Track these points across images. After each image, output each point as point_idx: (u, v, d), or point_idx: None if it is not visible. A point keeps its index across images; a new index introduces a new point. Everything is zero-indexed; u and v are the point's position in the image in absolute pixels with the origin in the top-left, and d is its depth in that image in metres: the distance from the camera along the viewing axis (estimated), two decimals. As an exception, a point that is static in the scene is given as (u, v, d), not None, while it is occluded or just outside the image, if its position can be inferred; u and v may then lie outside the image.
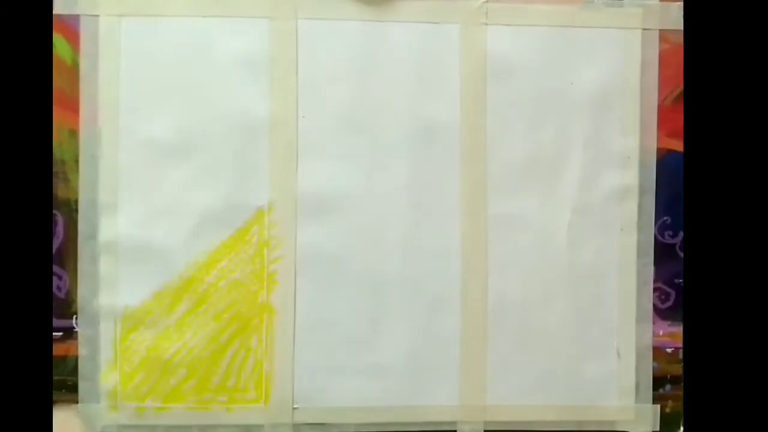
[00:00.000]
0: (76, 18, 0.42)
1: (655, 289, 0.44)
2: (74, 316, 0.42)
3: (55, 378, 0.42)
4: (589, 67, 0.43)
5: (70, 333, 0.42)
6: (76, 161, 0.42)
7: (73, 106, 0.42)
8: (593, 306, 0.44)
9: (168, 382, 0.42)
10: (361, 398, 0.43)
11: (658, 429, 0.44)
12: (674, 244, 0.44)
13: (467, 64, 0.43)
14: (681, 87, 0.43)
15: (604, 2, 0.43)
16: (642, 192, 0.44)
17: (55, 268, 0.42)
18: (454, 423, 0.43)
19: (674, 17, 0.43)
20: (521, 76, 0.43)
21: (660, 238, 0.44)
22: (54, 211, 0.42)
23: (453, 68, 0.43)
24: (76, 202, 0.42)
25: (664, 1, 0.43)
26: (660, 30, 0.43)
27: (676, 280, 0.44)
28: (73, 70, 0.42)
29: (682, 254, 0.44)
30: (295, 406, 0.43)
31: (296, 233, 0.42)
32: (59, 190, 0.42)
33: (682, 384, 0.44)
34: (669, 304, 0.44)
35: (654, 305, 0.44)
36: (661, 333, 0.44)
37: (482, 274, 0.43)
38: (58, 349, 0.42)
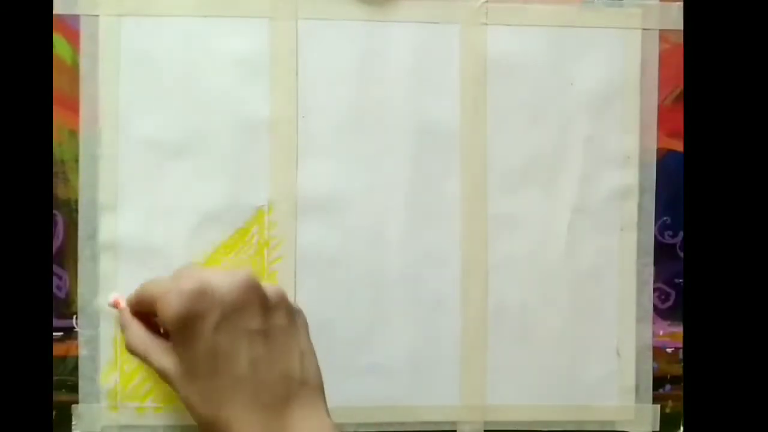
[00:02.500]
0: (76, 18, 0.42)
1: (655, 289, 0.44)
2: (74, 316, 0.42)
3: (55, 378, 0.42)
4: (589, 67, 0.43)
5: (70, 333, 0.42)
6: (76, 161, 0.42)
7: (73, 106, 0.42)
8: (593, 306, 0.44)
9: (168, 382, 0.42)
10: (360, 398, 0.43)
11: (658, 429, 0.44)
12: (674, 244, 0.44)
13: (467, 64, 0.43)
14: (681, 87, 0.44)
15: (604, 2, 0.43)
16: (642, 192, 0.44)
17: (55, 268, 0.42)
18: (454, 423, 0.43)
19: (674, 17, 0.43)
20: (521, 76, 0.43)
21: (660, 238, 0.44)
22: (54, 211, 0.42)
23: (453, 68, 0.43)
24: (76, 202, 0.42)
25: (664, 1, 0.43)
26: (660, 30, 0.43)
27: (676, 280, 0.44)
28: (73, 70, 0.42)
29: (682, 254, 0.44)
30: (295, 406, 0.43)
31: (296, 233, 0.42)
32: (59, 190, 0.42)
33: (682, 384, 0.44)
34: (669, 304, 0.44)
35: (654, 305, 0.44)
36: (661, 333, 0.44)
37: (482, 274, 0.43)
38: (58, 349, 0.42)
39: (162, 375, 0.33)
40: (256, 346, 0.32)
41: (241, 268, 0.33)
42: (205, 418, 0.32)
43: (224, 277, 0.32)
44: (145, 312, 0.36)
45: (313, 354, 0.35)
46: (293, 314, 0.35)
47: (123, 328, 0.37)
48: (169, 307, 0.31)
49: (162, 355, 0.33)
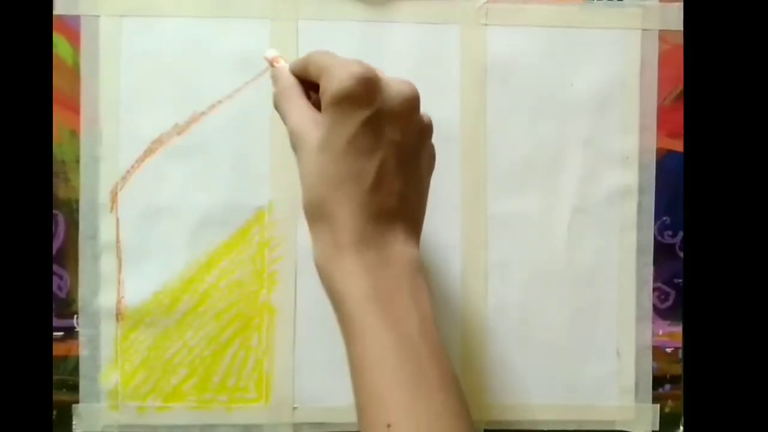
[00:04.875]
0: (76, 18, 0.42)
1: (654, 289, 0.44)
2: (75, 316, 0.42)
3: (56, 378, 0.42)
4: (589, 67, 0.43)
5: (70, 333, 0.42)
6: (77, 161, 0.42)
7: (74, 107, 0.42)
8: (593, 306, 0.44)
9: (169, 382, 0.42)
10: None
11: (657, 429, 0.44)
12: (674, 244, 0.44)
13: (467, 65, 0.43)
14: (681, 87, 0.44)
15: (604, 2, 0.43)
16: (642, 192, 0.44)
17: (56, 268, 0.42)
18: (454, 423, 0.43)
19: (674, 17, 0.43)
20: (521, 77, 0.43)
21: (659, 238, 0.44)
22: (54, 211, 0.42)
23: (453, 68, 0.43)
24: (77, 202, 0.42)
25: (664, 2, 0.43)
26: (660, 30, 0.43)
27: (676, 280, 0.44)
28: (74, 71, 0.42)
29: (681, 254, 0.44)
30: (295, 405, 0.43)
31: (296, 233, 0.43)
32: (60, 191, 0.42)
33: (681, 384, 0.44)
34: (668, 304, 0.44)
35: (653, 305, 0.44)
36: (660, 333, 0.44)
37: (482, 274, 0.43)
38: (58, 349, 0.42)
39: (294, 136, 0.32)
40: (390, 157, 0.31)
41: (409, 82, 0.32)
42: (314, 196, 0.31)
43: (394, 81, 0.32)
44: (303, 80, 0.34)
45: (427, 195, 0.35)
46: (430, 150, 0.35)
47: (275, 79, 0.35)
48: (336, 80, 0.30)
49: (304, 115, 0.32)
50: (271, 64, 0.36)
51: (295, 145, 0.33)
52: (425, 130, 0.34)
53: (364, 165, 0.31)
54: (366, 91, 0.31)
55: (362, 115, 0.31)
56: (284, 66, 0.36)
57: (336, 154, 0.31)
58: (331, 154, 0.31)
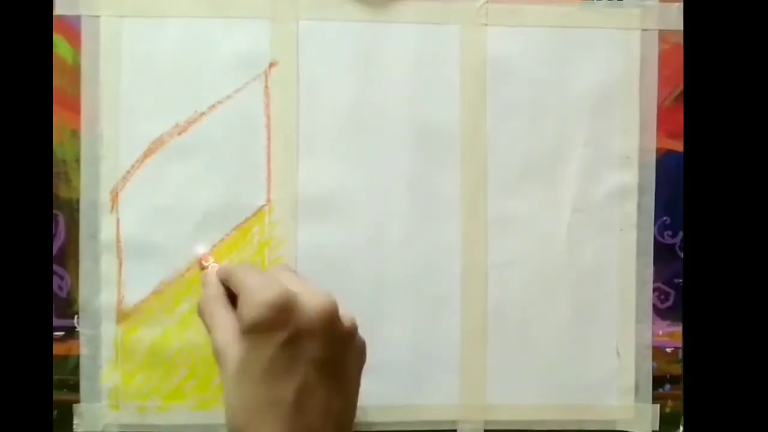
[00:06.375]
0: (77, 18, 0.42)
1: (654, 289, 0.44)
2: (76, 316, 0.42)
3: (57, 377, 0.42)
4: (589, 67, 0.43)
5: (71, 332, 0.42)
6: (78, 161, 0.42)
7: (75, 107, 0.42)
8: (593, 306, 0.44)
9: (169, 382, 0.42)
10: (360, 398, 0.43)
11: (657, 428, 0.44)
12: (674, 244, 0.44)
13: (467, 65, 0.43)
14: (681, 87, 0.44)
15: (604, 2, 0.43)
16: (641, 192, 0.44)
17: (57, 268, 0.42)
18: (454, 422, 0.43)
19: (674, 17, 0.43)
20: (521, 77, 0.43)
21: (659, 238, 0.44)
22: (55, 211, 0.42)
23: (453, 69, 0.43)
24: (78, 201, 0.42)
25: (664, 1, 0.43)
26: (659, 30, 0.43)
27: (676, 280, 0.44)
28: (74, 71, 0.42)
29: (681, 254, 0.44)
30: (295, 405, 0.43)
31: (297, 233, 0.43)
32: (60, 190, 0.42)
33: (681, 384, 0.44)
34: (668, 304, 0.44)
35: (653, 305, 0.44)
36: (660, 333, 0.44)
37: (482, 274, 0.43)
38: (59, 349, 0.42)
39: (216, 352, 0.32)
40: (311, 374, 0.31)
41: (325, 293, 0.32)
42: (233, 424, 0.31)
43: (310, 296, 0.32)
44: (226, 287, 0.35)
45: (357, 394, 0.35)
46: (357, 351, 0.34)
47: (203, 284, 0.36)
48: (249, 307, 0.31)
49: (227, 330, 0.32)
50: (201, 265, 0.37)
51: (218, 362, 0.32)
52: (347, 335, 0.33)
53: (282, 390, 0.31)
54: (280, 316, 0.31)
55: (278, 339, 0.31)
56: (213, 270, 0.36)
57: (253, 381, 0.31)
58: (249, 380, 0.31)
